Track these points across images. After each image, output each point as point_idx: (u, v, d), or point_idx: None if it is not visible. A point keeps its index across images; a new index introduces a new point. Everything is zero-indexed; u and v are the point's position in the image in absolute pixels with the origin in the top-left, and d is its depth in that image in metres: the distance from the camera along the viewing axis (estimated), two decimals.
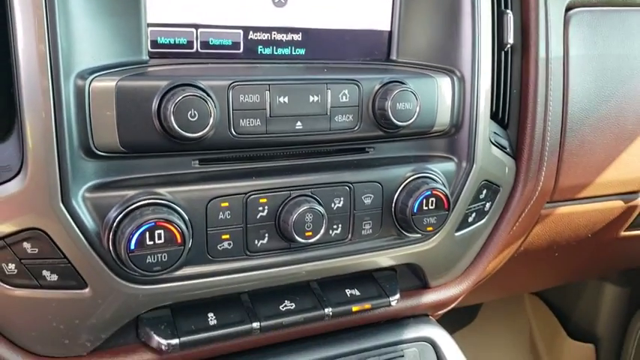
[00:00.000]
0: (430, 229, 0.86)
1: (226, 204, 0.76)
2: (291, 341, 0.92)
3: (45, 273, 0.70)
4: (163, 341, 0.78)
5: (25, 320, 0.73)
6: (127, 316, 0.76)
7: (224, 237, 0.77)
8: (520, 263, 1.28)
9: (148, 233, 0.68)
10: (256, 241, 0.79)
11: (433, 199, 0.85)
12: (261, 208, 0.78)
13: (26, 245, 0.68)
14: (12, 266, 0.69)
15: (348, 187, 0.82)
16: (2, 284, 0.69)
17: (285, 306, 0.86)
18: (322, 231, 0.79)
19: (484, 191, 0.95)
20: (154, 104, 0.69)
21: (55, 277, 0.70)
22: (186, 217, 0.73)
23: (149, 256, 0.69)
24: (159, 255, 0.70)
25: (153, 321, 0.79)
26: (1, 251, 0.68)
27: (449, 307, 1.05)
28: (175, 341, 0.78)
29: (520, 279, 1.55)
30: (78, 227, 0.68)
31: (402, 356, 0.95)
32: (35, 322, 0.73)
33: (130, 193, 0.71)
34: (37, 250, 0.68)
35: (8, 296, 0.70)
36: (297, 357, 0.91)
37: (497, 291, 1.60)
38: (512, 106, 1.00)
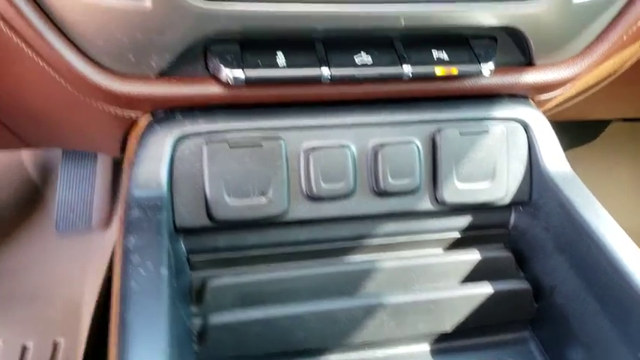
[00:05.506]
0: None
1: None
2: (364, 102, 0.86)
3: None
4: (229, 72, 0.75)
5: (92, 28, 0.72)
6: (191, 35, 0.72)
7: None
8: None
9: None
10: None
11: None
12: None
13: None
14: None
15: None
16: None
17: (361, 57, 0.79)
18: None
19: None
20: None
21: None
22: None
23: None
24: None
25: (221, 52, 0.77)
26: None
27: (553, 93, 0.92)
28: (240, 73, 0.75)
29: None
30: None
31: (487, 132, 0.86)
32: (100, 31, 0.72)
33: None
34: None
35: (76, 2, 0.69)
36: (366, 116, 0.85)
37: (625, 102, 1.37)
38: None
